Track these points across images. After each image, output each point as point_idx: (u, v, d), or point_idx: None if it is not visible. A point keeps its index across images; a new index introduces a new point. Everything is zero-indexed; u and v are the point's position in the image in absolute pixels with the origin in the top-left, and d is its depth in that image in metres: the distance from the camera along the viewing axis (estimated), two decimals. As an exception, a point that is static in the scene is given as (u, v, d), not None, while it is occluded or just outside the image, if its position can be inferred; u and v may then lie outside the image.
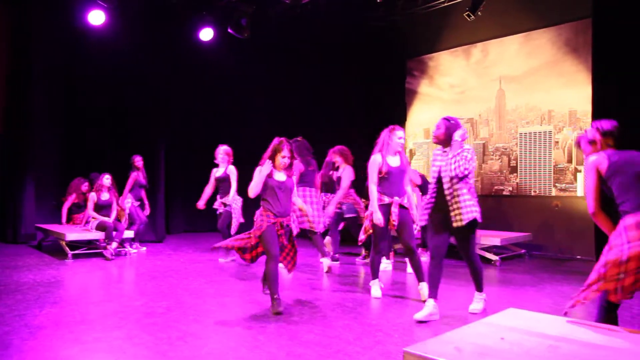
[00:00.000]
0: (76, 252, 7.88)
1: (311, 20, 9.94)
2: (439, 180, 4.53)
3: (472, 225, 4.41)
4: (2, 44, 9.89)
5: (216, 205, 7.67)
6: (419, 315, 4.41)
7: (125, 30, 9.97)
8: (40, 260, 7.63)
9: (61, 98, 10.20)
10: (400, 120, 10.60)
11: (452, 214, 4.40)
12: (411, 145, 10.49)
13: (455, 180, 4.41)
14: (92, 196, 8.16)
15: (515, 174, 8.96)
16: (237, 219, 7.55)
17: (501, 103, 9.20)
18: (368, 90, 10.54)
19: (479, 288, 4.69)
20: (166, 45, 10.47)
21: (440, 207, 4.48)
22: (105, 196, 8.18)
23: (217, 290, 5.66)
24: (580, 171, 8.15)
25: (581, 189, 8.13)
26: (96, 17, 9.14)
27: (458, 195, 4.40)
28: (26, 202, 9.52)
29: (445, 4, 9.30)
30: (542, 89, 8.61)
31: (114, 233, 7.91)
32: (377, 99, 10.49)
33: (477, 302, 4.73)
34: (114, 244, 7.83)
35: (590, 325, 3.01)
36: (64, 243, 7.81)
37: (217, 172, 7.68)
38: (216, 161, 7.67)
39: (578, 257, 8.04)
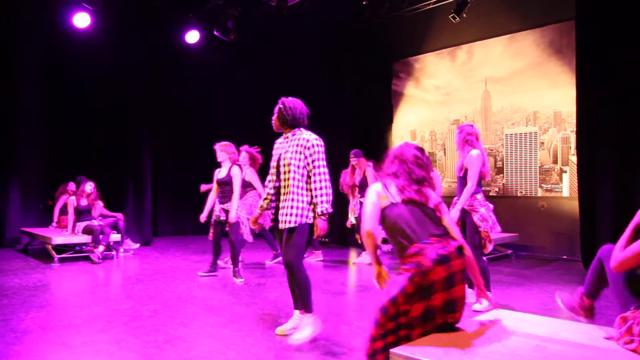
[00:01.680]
0: (62, 255, 7.82)
1: (297, 23, 9.95)
2: None
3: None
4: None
5: (219, 211, 6.48)
6: (282, 330, 4.02)
7: (111, 33, 9.91)
8: (26, 264, 7.57)
9: (46, 100, 10.11)
10: (387, 122, 10.66)
11: None
12: (398, 146, 10.51)
13: None
14: (72, 200, 8.15)
15: (501, 175, 9.04)
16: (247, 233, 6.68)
17: (487, 104, 9.27)
18: (354, 92, 10.55)
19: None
20: (152, 47, 10.43)
21: None
22: (84, 202, 8.16)
23: (204, 294, 5.65)
24: (565, 172, 8.24)
25: (567, 189, 8.21)
26: (81, 20, 9.08)
27: None
28: (11, 206, 9.41)
29: (431, 6, 9.36)
30: (527, 90, 8.69)
31: (101, 236, 7.87)
32: (364, 101, 10.51)
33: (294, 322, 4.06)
34: (101, 248, 7.79)
35: (576, 325, 3.05)
36: (50, 247, 7.76)
37: (219, 174, 6.59)
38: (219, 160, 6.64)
39: (564, 257, 8.12)
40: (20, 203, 9.56)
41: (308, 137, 3.89)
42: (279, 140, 4.10)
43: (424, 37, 10.08)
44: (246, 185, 7.14)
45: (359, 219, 7.55)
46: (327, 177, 3.86)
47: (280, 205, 3.90)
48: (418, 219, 2.85)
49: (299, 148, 3.86)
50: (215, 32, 9.54)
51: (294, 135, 3.95)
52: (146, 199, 10.27)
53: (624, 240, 2.57)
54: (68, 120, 10.18)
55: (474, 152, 4.95)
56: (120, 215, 8.78)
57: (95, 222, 8.06)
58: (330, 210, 3.80)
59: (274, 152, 4.09)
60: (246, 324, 4.35)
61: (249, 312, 4.77)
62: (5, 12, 9.54)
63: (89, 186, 8.21)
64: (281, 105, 3.98)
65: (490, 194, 9.06)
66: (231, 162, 6.51)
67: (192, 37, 10.15)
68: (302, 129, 3.98)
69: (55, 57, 10.04)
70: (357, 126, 10.43)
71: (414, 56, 10.35)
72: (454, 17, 8.46)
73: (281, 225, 3.86)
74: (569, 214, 7.97)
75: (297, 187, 3.83)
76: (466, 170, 4.91)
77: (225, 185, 6.41)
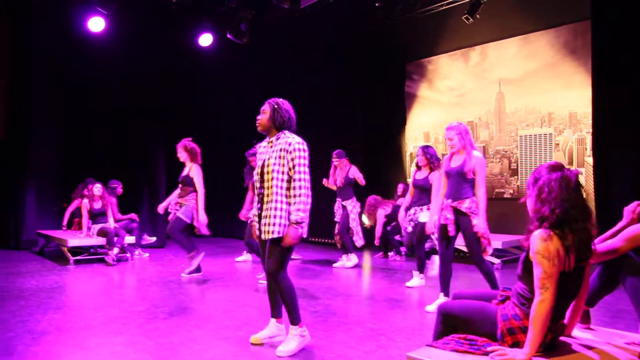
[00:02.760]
0: (78, 257, 7.89)
1: (310, 25, 9.96)
2: None
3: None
4: (3, 51, 9.93)
5: (248, 215, 6.71)
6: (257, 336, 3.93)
7: (125, 37, 10.01)
8: (42, 266, 7.64)
9: (62, 104, 10.24)
10: (400, 124, 10.63)
11: None
12: (411, 148, 10.50)
13: None
14: (85, 203, 8.21)
15: (516, 177, 8.97)
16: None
17: (501, 106, 9.21)
18: (368, 94, 10.55)
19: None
20: (166, 50, 10.50)
21: None
22: (98, 204, 8.22)
23: (219, 296, 5.67)
24: (581, 173, 8.16)
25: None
26: (96, 24, 9.18)
27: None
28: (28, 209, 9.54)
29: (444, 8, 9.32)
30: (542, 91, 8.63)
31: (115, 239, 7.92)
32: (377, 103, 10.50)
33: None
34: (116, 250, 7.84)
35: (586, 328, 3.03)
36: (65, 249, 7.83)
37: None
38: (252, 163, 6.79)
39: (579, 259, 8.01)
40: (37, 206, 9.69)
41: (291, 141, 3.63)
42: (262, 144, 3.89)
43: (437, 38, 10.04)
44: (188, 184, 6.72)
45: (340, 222, 7.62)
46: (307, 184, 3.60)
47: (263, 214, 3.66)
48: None
49: (282, 153, 3.62)
50: (228, 35, 9.59)
51: (278, 139, 3.71)
52: (160, 201, 10.30)
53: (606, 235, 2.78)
54: (83, 123, 10.30)
55: (479, 153, 4.82)
56: (133, 215, 8.85)
57: (111, 224, 8.13)
58: (304, 220, 3.56)
59: (257, 157, 3.88)
60: (261, 326, 4.34)
61: (263, 314, 4.77)
62: (22, 17, 9.68)
63: (97, 189, 8.27)
64: (275, 105, 3.75)
65: (505, 195, 9.00)
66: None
67: (206, 40, 10.21)
68: (286, 132, 3.74)
69: (70, 61, 10.16)
70: (370, 128, 10.43)
71: (427, 57, 10.32)
72: (467, 18, 8.43)
73: (264, 236, 3.63)
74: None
75: (280, 194, 3.60)
76: (474, 172, 4.72)
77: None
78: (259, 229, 3.72)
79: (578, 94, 8.14)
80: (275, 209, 3.59)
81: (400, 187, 8.99)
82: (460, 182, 4.73)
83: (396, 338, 4.07)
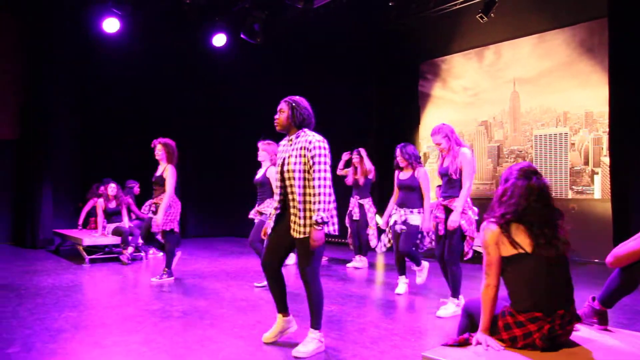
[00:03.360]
0: (93, 256, 7.96)
1: (323, 25, 9.96)
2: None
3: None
4: (19, 52, 10.05)
5: (252, 214, 6.31)
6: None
7: (140, 37, 10.09)
8: (58, 264, 7.72)
9: (77, 104, 10.35)
10: (414, 124, 10.60)
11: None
12: (425, 148, 10.46)
13: None
14: (100, 203, 8.29)
15: (530, 177, 8.90)
16: None
17: (515, 105, 9.15)
18: (381, 93, 10.53)
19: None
20: (180, 50, 10.57)
21: None
22: (112, 204, 8.29)
23: (233, 295, 5.69)
24: (597, 173, 8.08)
25: (598, 191, 8.05)
26: (111, 25, 9.25)
27: None
28: (44, 208, 9.65)
29: (458, 6, 9.27)
30: (557, 91, 8.56)
31: (130, 238, 7.98)
32: (390, 103, 10.48)
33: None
34: (130, 249, 7.90)
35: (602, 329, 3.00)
36: (81, 248, 7.91)
37: (258, 173, 6.35)
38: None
39: (595, 260, 7.95)
40: (53, 205, 9.80)
41: (311, 139, 3.58)
42: (282, 142, 3.86)
43: (451, 37, 10.00)
44: (162, 184, 6.48)
45: (358, 221, 7.56)
46: (328, 182, 3.53)
47: (291, 212, 3.62)
48: None
49: (303, 151, 3.57)
50: (242, 35, 9.61)
51: (297, 137, 3.67)
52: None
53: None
54: (99, 123, 10.40)
55: (467, 150, 4.78)
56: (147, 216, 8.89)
57: (125, 223, 8.19)
58: (326, 220, 3.48)
59: (277, 155, 3.87)
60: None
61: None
62: (37, 18, 9.79)
63: (111, 188, 8.33)
64: (294, 104, 3.71)
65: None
66: (270, 163, 6.18)
67: (219, 40, 10.25)
68: (306, 130, 3.70)
69: (86, 62, 10.27)
70: (383, 128, 10.40)
71: (441, 57, 10.28)
72: (481, 17, 8.38)
73: (297, 235, 3.58)
74: (600, 216, 7.82)
75: (302, 194, 3.56)
76: (461, 170, 4.73)
77: (261, 187, 6.15)
78: (273, 228, 3.72)
79: (594, 93, 8.06)
80: (300, 209, 3.55)
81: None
82: (450, 181, 4.79)
83: (410, 338, 4.05)
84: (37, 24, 9.83)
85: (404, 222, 5.46)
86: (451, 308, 4.80)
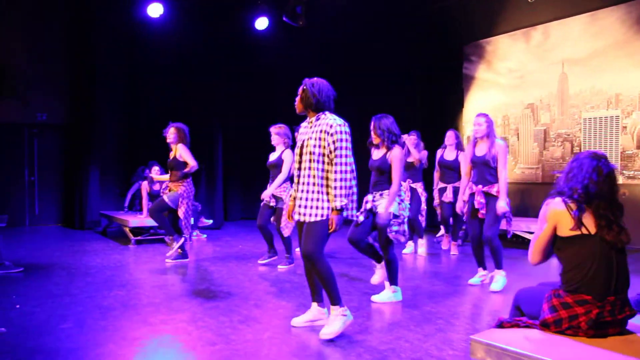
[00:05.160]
0: (139, 238, 8.15)
1: (366, 7, 9.84)
2: None
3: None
4: (66, 40, 10.30)
5: (267, 197, 6.28)
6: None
7: (183, 21, 10.19)
8: (105, 245, 7.94)
9: (123, 89, 10.58)
10: (458, 107, 10.40)
11: None
12: (469, 132, 10.27)
13: None
14: (145, 185, 8.46)
15: (578, 161, 8.62)
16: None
17: (564, 87, 8.85)
18: (424, 76, 10.36)
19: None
20: (222, 34, 10.62)
21: None
22: (157, 186, 8.44)
23: (277, 276, 5.73)
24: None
25: (651, 175, 7.75)
26: (155, 10, 9.37)
27: None
28: (91, 191, 9.93)
29: (505, -14, 9.01)
30: (609, 71, 8.22)
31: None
32: (433, 86, 10.30)
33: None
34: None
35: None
36: (127, 229, 8.10)
37: (271, 156, 6.42)
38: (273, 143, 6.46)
39: (647, 247, 7.69)
40: (100, 188, 10.07)
41: (332, 123, 3.52)
42: (303, 124, 3.82)
43: (497, 18, 9.72)
44: (177, 167, 6.56)
45: (412, 206, 6.83)
46: (349, 167, 3.50)
47: (301, 195, 3.62)
48: None
49: (322, 134, 3.52)
50: (284, 18, 9.60)
51: (317, 120, 3.62)
52: (217, 184, 10.57)
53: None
54: (143, 107, 10.59)
55: (501, 141, 5.19)
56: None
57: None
58: (346, 206, 3.48)
59: (297, 137, 3.83)
60: (318, 307, 4.36)
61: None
62: (81, 6, 10.00)
63: (155, 171, 8.47)
64: (305, 87, 3.65)
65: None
66: (285, 146, 6.28)
67: (262, 23, 10.26)
68: (327, 112, 3.64)
69: (130, 47, 10.47)
70: (427, 111, 10.25)
71: (485, 38, 10.01)
72: (529, -4, 8.11)
73: (301, 218, 3.60)
74: (653, 202, 7.53)
75: (319, 177, 3.53)
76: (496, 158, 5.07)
77: (275, 169, 6.23)
78: (298, 212, 3.68)
79: (650, 74, 7.72)
80: (314, 192, 3.54)
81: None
82: (485, 169, 5.10)
83: (455, 322, 4.01)
84: (84, 11, 10.04)
85: (372, 209, 4.61)
86: (501, 280, 5.07)
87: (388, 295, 4.63)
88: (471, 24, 10.08)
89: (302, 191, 3.62)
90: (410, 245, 7.38)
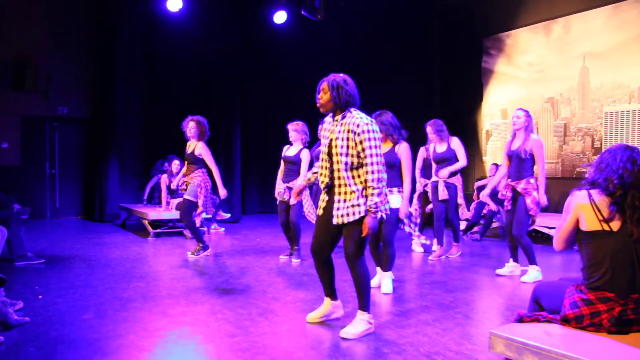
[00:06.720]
0: (158, 230, 8.22)
1: (384, 1, 9.79)
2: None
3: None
4: (87, 34, 10.41)
5: (281, 195, 6.28)
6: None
7: (202, 15, 10.25)
8: (125, 237, 8.03)
9: (143, 84, 10.66)
10: (477, 101, 10.32)
11: None
12: (488, 126, 10.18)
13: None
14: (164, 179, 8.51)
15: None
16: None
17: (584, 81, 8.74)
18: (442, 69, 10.30)
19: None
20: (241, 28, 10.65)
21: None
22: (174, 184, 8.47)
23: (295, 270, 5.75)
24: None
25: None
26: (174, 4, 9.42)
27: None
28: (111, 183, 10.04)
29: (525, -22, 8.90)
30: (632, 65, 8.09)
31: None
32: (452, 79, 10.23)
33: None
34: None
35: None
36: (146, 222, 8.18)
37: (287, 151, 6.39)
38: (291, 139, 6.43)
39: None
40: (119, 181, 10.18)
41: (359, 122, 3.42)
42: (327, 119, 3.68)
43: (516, 11, 9.61)
44: (194, 162, 6.48)
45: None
46: (380, 167, 3.40)
47: (335, 198, 3.51)
48: None
49: (350, 134, 3.42)
50: (302, 12, 9.59)
51: (344, 118, 3.50)
52: (236, 177, 10.63)
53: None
54: (163, 101, 10.65)
55: (537, 136, 5.26)
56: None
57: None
58: (380, 206, 3.40)
59: (323, 134, 3.69)
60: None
61: (340, 288, 4.78)
62: (105, 0, 10.09)
63: (175, 165, 8.53)
64: (335, 84, 3.51)
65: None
66: (302, 143, 6.23)
67: (280, 17, 10.28)
68: (352, 109, 3.52)
69: (150, 41, 10.55)
70: (446, 105, 10.19)
71: (505, 32, 9.91)
72: (550, -11, 8.01)
73: (339, 220, 3.47)
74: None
75: (350, 177, 3.45)
76: (532, 153, 5.14)
77: (292, 164, 6.17)
78: (321, 214, 3.63)
79: (673, 67, 7.58)
80: (347, 193, 3.45)
81: (491, 169, 8.75)
82: (520, 163, 5.17)
83: (474, 316, 4.00)
84: (104, 7, 10.13)
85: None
86: (533, 274, 5.19)
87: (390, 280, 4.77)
88: (491, 17, 10.00)
89: (335, 193, 3.51)
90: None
